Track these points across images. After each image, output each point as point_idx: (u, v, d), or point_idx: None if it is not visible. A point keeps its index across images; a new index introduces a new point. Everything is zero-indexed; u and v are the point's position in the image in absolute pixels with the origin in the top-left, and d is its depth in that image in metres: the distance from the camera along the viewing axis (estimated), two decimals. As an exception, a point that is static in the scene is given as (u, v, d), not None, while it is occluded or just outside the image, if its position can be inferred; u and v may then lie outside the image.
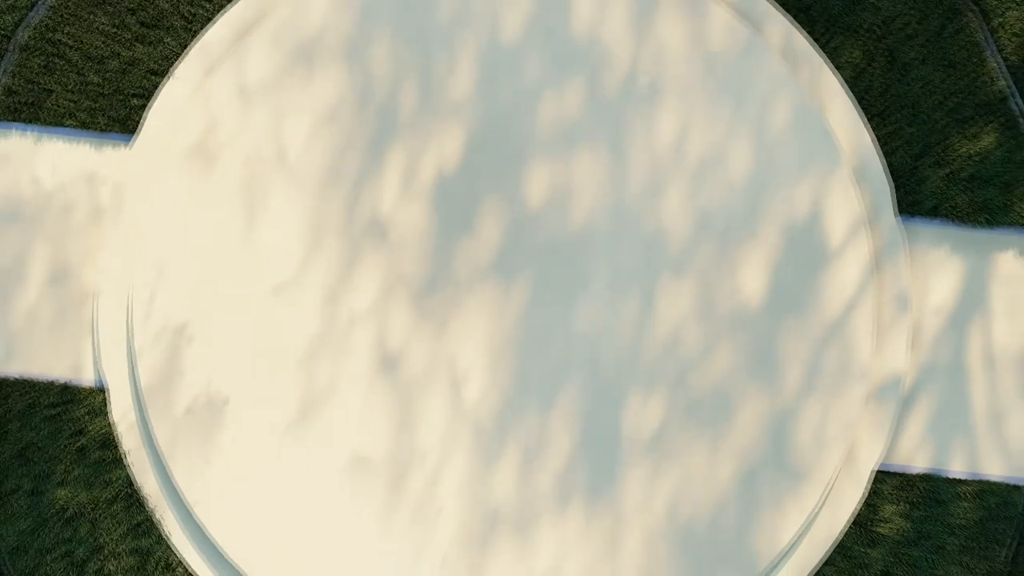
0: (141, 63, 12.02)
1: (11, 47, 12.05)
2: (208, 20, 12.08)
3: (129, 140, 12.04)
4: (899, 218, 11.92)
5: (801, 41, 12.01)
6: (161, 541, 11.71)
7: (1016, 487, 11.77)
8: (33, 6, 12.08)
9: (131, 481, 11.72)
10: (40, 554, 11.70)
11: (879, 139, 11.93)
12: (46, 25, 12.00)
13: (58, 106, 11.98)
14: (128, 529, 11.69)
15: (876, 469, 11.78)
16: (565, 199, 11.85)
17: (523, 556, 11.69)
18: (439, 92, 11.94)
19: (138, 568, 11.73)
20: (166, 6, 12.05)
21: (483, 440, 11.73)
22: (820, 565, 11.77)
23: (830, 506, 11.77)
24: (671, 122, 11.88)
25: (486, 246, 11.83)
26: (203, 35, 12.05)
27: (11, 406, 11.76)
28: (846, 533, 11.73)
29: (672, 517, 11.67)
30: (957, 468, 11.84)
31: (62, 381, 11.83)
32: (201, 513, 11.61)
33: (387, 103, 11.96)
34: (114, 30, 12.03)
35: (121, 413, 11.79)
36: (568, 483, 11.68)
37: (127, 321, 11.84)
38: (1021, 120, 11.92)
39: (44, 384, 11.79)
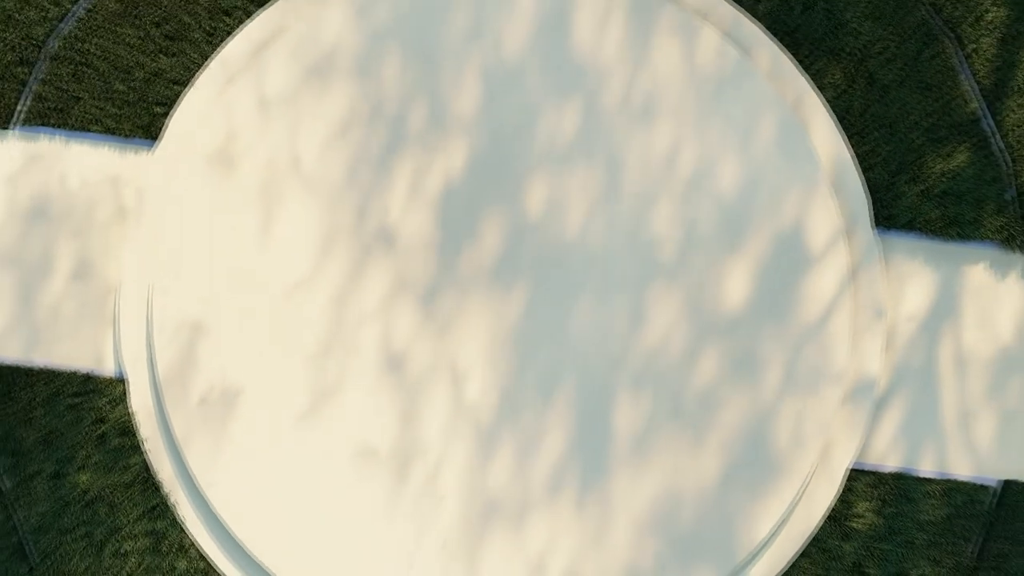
0: (164, 73, 11.97)
1: (42, 56, 11.99)
2: (228, 34, 12.04)
3: (152, 146, 11.99)
4: (876, 231, 11.92)
5: (787, 63, 11.97)
6: (175, 523, 11.71)
7: (982, 486, 11.78)
8: (63, 18, 12.00)
9: (148, 467, 11.73)
10: (61, 534, 11.68)
11: (858, 156, 11.94)
12: (75, 36, 11.95)
13: (85, 112, 11.93)
14: (144, 512, 11.71)
15: (850, 467, 11.78)
16: (562, 210, 11.78)
17: (516, 541, 11.62)
18: (445, 108, 11.87)
19: (153, 548, 11.70)
20: (189, 20, 11.99)
21: (482, 434, 11.66)
22: (796, 557, 11.73)
23: (806, 501, 11.76)
24: (663, 138, 11.82)
25: (487, 253, 11.76)
26: (223, 48, 12.01)
27: (36, 394, 11.71)
28: (821, 527, 11.75)
29: (657, 508, 11.62)
30: (927, 467, 11.86)
31: (84, 371, 11.80)
32: (213, 497, 11.59)
33: (396, 117, 11.86)
34: (139, 42, 11.97)
35: (139, 402, 11.77)
36: (560, 475, 11.64)
37: (147, 316, 11.81)
38: (992, 140, 11.94)
39: (68, 374, 11.73)
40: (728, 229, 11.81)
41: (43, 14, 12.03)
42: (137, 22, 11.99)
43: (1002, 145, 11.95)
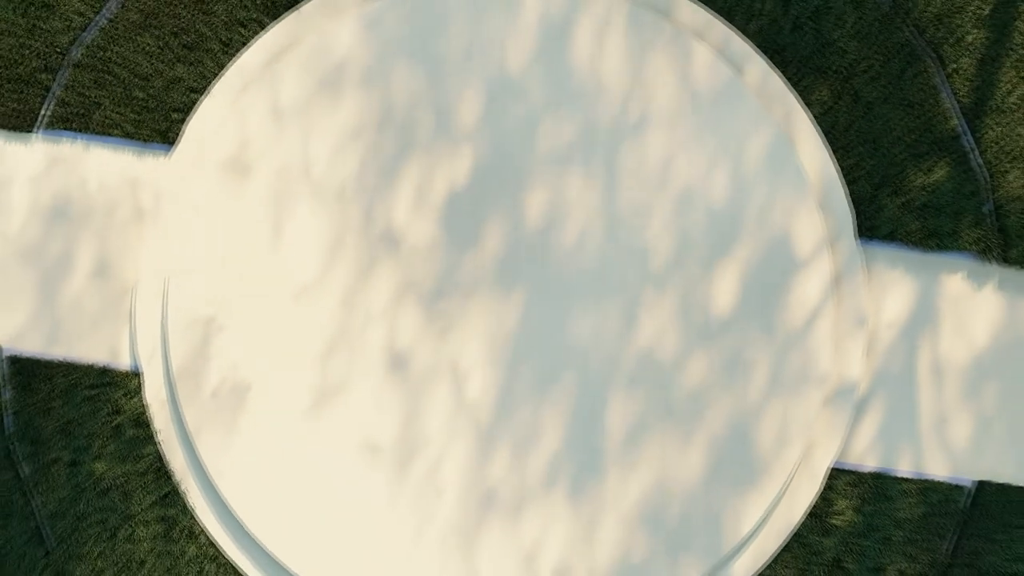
0: (182, 81, 11.95)
1: (65, 63, 11.94)
2: (244, 45, 12.01)
3: (169, 150, 11.96)
4: (859, 241, 11.91)
5: (776, 80, 11.92)
6: (186, 511, 11.73)
7: (957, 486, 11.78)
8: (86, 27, 11.95)
9: (160, 456, 11.73)
10: (77, 520, 11.70)
11: (843, 170, 11.90)
12: (97, 45, 11.92)
13: (106, 118, 11.91)
14: (156, 499, 11.71)
15: (831, 467, 11.76)
16: (561, 217, 11.78)
17: (513, 533, 11.65)
18: (449, 119, 11.85)
19: (164, 535, 11.71)
20: (206, 31, 11.95)
21: (481, 431, 11.68)
22: (778, 552, 11.74)
23: (788, 499, 11.77)
24: (657, 151, 11.82)
25: (489, 257, 11.77)
26: (239, 58, 11.98)
27: (55, 385, 11.71)
28: (802, 524, 11.74)
29: (646, 504, 11.63)
30: (904, 468, 11.85)
31: (101, 364, 11.80)
32: (223, 487, 11.61)
33: (403, 126, 11.83)
34: (159, 51, 11.94)
35: (153, 395, 11.76)
36: (555, 471, 11.65)
37: (162, 313, 11.80)
38: (971, 156, 11.90)
39: (85, 367, 11.73)
40: (719, 238, 11.80)
41: (67, 23, 11.97)
42: (157, 32, 11.95)
43: (980, 161, 11.93)
